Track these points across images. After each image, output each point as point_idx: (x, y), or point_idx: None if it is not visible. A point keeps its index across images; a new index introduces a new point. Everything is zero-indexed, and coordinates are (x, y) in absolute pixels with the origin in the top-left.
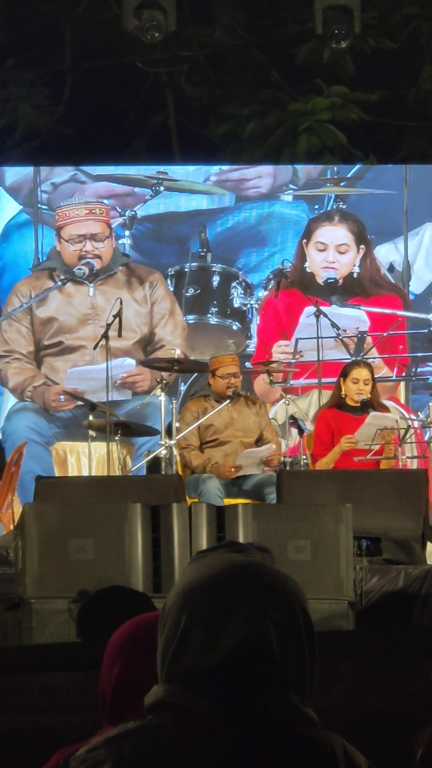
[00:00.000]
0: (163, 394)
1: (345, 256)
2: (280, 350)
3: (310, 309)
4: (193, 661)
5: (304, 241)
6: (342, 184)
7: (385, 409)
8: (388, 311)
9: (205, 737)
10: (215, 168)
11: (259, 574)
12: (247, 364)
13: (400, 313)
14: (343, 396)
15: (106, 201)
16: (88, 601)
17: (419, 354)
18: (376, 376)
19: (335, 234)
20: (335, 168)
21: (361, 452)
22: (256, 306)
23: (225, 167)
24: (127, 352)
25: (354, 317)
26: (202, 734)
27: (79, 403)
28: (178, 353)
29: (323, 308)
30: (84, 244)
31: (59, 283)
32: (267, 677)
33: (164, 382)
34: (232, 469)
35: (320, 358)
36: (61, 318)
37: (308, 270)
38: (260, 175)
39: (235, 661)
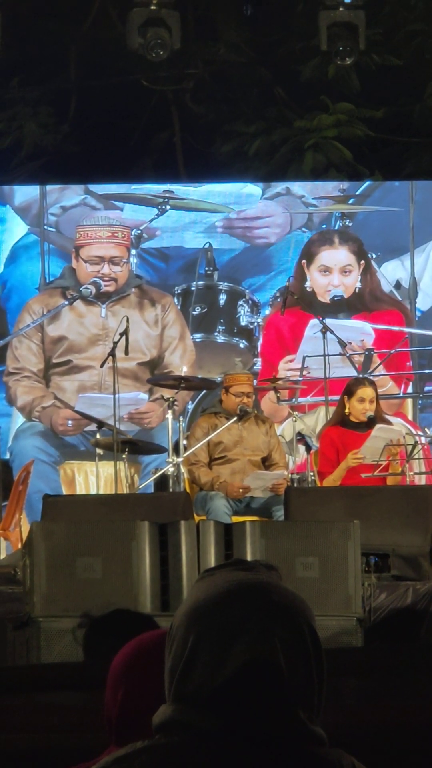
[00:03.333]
0: (170, 411)
1: (349, 277)
2: (287, 366)
3: (314, 322)
4: (201, 680)
5: (304, 261)
6: (350, 201)
7: (390, 423)
8: (394, 328)
9: (214, 756)
10: (220, 215)
11: (267, 592)
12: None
13: (407, 329)
14: (347, 413)
15: (115, 222)
16: (92, 626)
17: (426, 371)
18: (383, 391)
19: (338, 257)
20: (343, 185)
21: (369, 469)
22: (263, 324)
23: (231, 216)
24: (134, 373)
25: (359, 329)
26: (210, 753)
27: (86, 428)
28: (185, 370)
29: (328, 321)
30: (102, 267)
31: (67, 302)
32: (275, 696)
33: (172, 399)
34: (240, 490)
35: (327, 376)
36: (72, 337)
37: (309, 290)
38: (269, 226)
39: (243, 680)
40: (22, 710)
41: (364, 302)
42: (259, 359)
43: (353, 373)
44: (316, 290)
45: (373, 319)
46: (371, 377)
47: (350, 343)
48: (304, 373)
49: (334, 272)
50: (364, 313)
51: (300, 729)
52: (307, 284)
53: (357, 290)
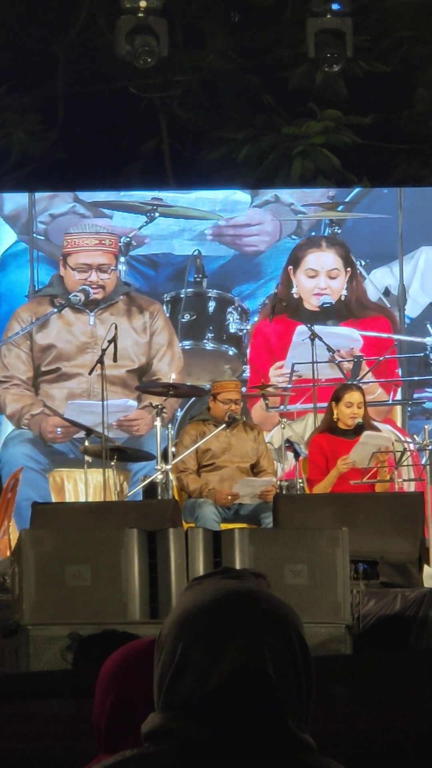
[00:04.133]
0: (159, 419)
1: (336, 281)
2: (277, 373)
3: (302, 329)
4: (189, 688)
5: (290, 267)
6: (339, 208)
7: (378, 430)
8: (383, 335)
9: (203, 765)
10: (210, 222)
11: (255, 600)
12: (242, 389)
13: (396, 336)
14: (335, 420)
15: (103, 230)
16: (81, 647)
17: (416, 378)
18: (372, 399)
19: (325, 260)
20: (331, 192)
21: (357, 475)
22: (251, 332)
23: (221, 223)
24: (122, 380)
25: (347, 336)
26: (199, 762)
27: (75, 435)
28: (173, 377)
29: (316, 327)
30: (90, 274)
31: (55, 310)
32: (264, 704)
33: (160, 407)
34: (229, 497)
35: (315, 383)
36: (60, 345)
37: (295, 296)
38: (258, 234)
39: (232, 688)
40: (11, 719)
41: (351, 309)
42: (248, 366)
43: (341, 376)
44: (302, 295)
45: (361, 326)
46: (360, 384)
47: (339, 351)
48: (295, 378)
49: (321, 275)
50: (351, 320)
51: (289, 737)
52: (294, 290)
53: (343, 297)
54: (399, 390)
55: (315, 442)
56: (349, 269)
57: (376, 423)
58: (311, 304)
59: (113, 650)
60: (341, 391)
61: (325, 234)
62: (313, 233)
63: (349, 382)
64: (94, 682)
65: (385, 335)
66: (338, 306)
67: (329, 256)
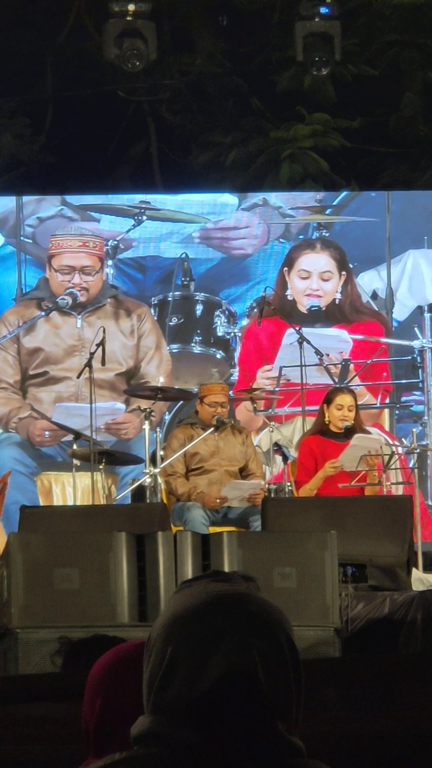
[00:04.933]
0: (147, 422)
1: (328, 284)
2: (265, 375)
3: (291, 331)
4: (179, 691)
5: (285, 269)
6: (327, 212)
7: (368, 434)
8: (372, 338)
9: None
10: (198, 225)
11: (244, 603)
12: (230, 393)
13: (384, 340)
14: (327, 422)
15: (89, 232)
16: (70, 652)
17: (403, 381)
18: (360, 402)
19: (318, 262)
20: (319, 195)
21: (346, 479)
22: (240, 335)
23: (208, 226)
24: (111, 383)
25: (337, 337)
26: (188, 765)
27: (63, 439)
28: (161, 381)
29: (306, 329)
30: (73, 276)
31: (43, 313)
32: (253, 707)
33: (149, 410)
34: (217, 501)
35: (304, 386)
36: (48, 348)
37: (290, 298)
38: (246, 237)
39: (221, 691)
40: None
41: (344, 313)
42: (236, 369)
43: (329, 381)
44: (295, 296)
45: (353, 330)
46: (349, 387)
47: (327, 355)
48: (282, 381)
49: (313, 276)
50: (343, 324)
51: (278, 740)
52: (288, 292)
53: (337, 301)
54: (388, 395)
55: (305, 444)
56: (344, 273)
57: (366, 428)
58: (303, 305)
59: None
60: (333, 393)
61: (314, 238)
62: (301, 237)
63: (340, 385)
64: (83, 685)
65: (373, 339)
66: (332, 309)
67: (323, 258)
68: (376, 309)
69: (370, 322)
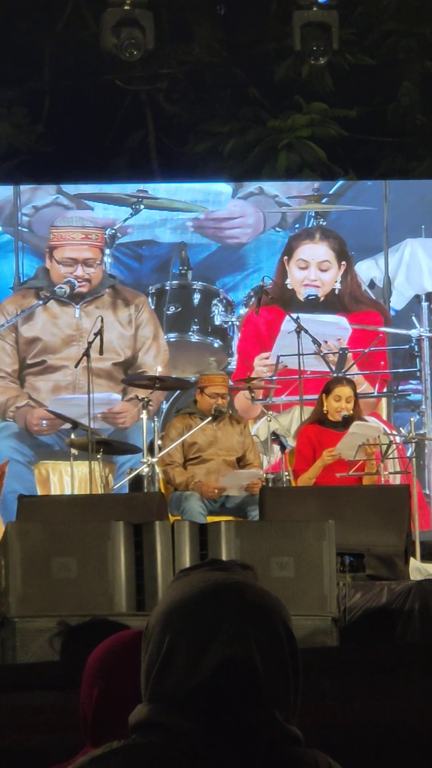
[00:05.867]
0: (144, 411)
1: (327, 274)
2: (261, 363)
3: (290, 318)
4: (177, 680)
5: (285, 258)
6: (323, 201)
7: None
8: (369, 327)
9: (190, 757)
10: (193, 215)
11: (242, 592)
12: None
13: (381, 329)
14: (325, 412)
15: (89, 223)
16: (69, 635)
17: (401, 370)
18: (357, 391)
19: (316, 252)
20: (316, 185)
21: (344, 468)
22: (237, 323)
23: (202, 216)
24: (108, 373)
25: (335, 324)
26: (186, 754)
27: (61, 428)
28: (159, 370)
29: (304, 316)
30: (75, 269)
31: (41, 302)
32: (251, 696)
33: (146, 399)
34: (215, 490)
35: (301, 375)
36: (46, 338)
37: (289, 287)
38: (240, 226)
39: (219, 680)
40: None
41: (344, 303)
42: (234, 358)
43: (326, 368)
44: (294, 286)
45: (352, 320)
46: (348, 377)
47: (326, 342)
48: (280, 367)
49: (311, 267)
50: (342, 313)
51: (276, 729)
52: (288, 281)
53: (336, 291)
54: (386, 385)
55: (303, 433)
56: (344, 263)
57: (365, 417)
58: (301, 295)
59: (101, 640)
60: (332, 384)
61: (310, 227)
62: (297, 226)
63: (338, 375)
64: (81, 674)
65: (370, 327)
66: (331, 299)
67: (321, 249)
68: (373, 297)
69: (369, 312)
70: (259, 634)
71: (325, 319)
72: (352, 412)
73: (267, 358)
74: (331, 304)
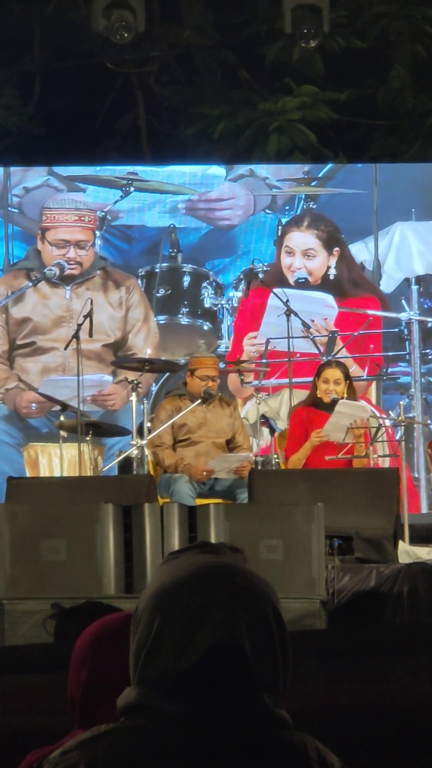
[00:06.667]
0: (134, 394)
1: (313, 261)
2: (250, 342)
3: (276, 301)
4: (165, 663)
5: (277, 243)
6: (313, 183)
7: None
8: (358, 310)
9: (178, 740)
10: (184, 197)
11: (231, 576)
12: (221, 364)
13: (370, 312)
14: (318, 395)
15: (81, 205)
16: (62, 617)
17: (390, 353)
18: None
19: (302, 240)
20: (306, 167)
21: (333, 451)
22: (227, 306)
23: (194, 197)
24: (98, 354)
25: (322, 301)
26: (175, 737)
27: (50, 410)
28: (149, 352)
29: (291, 292)
30: (68, 250)
31: (31, 284)
32: (240, 679)
33: (135, 382)
34: (204, 473)
35: (291, 356)
36: (36, 319)
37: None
38: (231, 208)
39: (208, 663)
40: None
41: (342, 288)
42: (223, 340)
43: (315, 351)
44: (284, 271)
45: (348, 304)
46: (339, 360)
47: (313, 321)
48: (270, 348)
49: (296, 254)
50: (338, 298)
51: (265, 712)
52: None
53: (332, 277)
54: (378, 369)
55: (296, 414)
56: (337, 249)
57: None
58: (291, 279)
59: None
60: (322, 367)
61: (300, 209)
62: (287, 208)
63: (329, 358)
64: (70, 656)
65: (359, 311)
66: (328, 284)
67: (306, 237)
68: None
69: (367, 297)
70: (249, 618)
71: (312, 296)
72: (345, 395)
73: (255, 337)
74: (327, 289)
